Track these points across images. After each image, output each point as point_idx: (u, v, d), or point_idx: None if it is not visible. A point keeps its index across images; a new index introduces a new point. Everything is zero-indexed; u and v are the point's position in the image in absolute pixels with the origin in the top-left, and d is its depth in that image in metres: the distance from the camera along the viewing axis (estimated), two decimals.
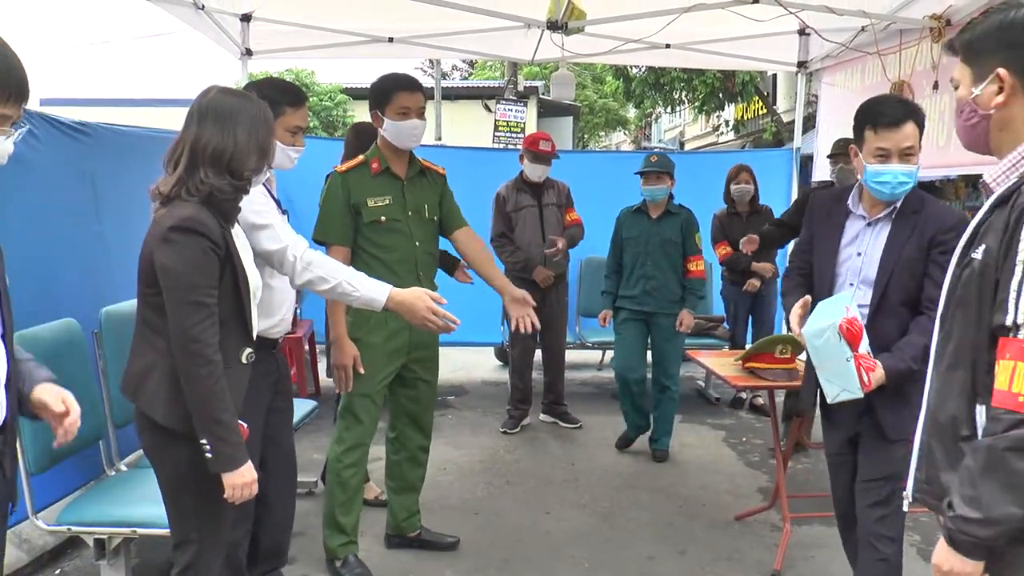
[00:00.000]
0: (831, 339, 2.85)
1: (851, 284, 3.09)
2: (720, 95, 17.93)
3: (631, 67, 18.47)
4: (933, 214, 2.98)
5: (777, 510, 4.51)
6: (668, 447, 5.70)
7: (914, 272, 2.97)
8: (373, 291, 3.01)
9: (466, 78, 36.89)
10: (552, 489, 5.12)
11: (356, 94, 23.61)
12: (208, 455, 2.37)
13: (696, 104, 18.70)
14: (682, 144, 33.79)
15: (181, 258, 2.33)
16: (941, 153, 4.95)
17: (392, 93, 3.70)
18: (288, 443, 3.39)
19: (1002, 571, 1.73)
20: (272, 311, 3.17)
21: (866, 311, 3.03)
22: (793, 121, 9.36)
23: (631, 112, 32.88)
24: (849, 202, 3.13)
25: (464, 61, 43.39)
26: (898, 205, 3.01)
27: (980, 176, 1.97)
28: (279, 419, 3.29)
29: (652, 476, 5.34)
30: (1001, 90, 1.81)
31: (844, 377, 2.88)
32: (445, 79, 36.41)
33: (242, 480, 2.42)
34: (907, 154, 2.91)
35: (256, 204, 2.91)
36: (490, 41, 6.80)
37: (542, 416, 6.53)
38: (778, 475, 4.34)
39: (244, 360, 2.55)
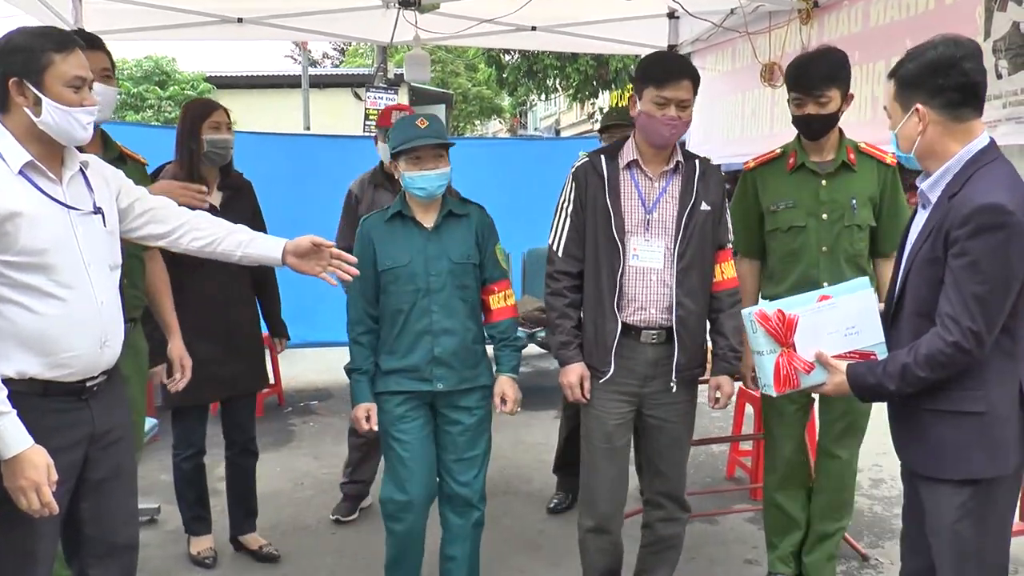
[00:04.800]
0: (751, 327, 2.60)
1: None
2: (594, 82, 17.91)
3: (503, 54, 18.26)
4: (959, 200, 2.28)
5: None
6: None
7: (926, 274, 2.36)
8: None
9: (337, 66, 36.12)
10: None
11: (221, 82, 22.78)
12: None
13: (570, 92, 18.66)
14: (558, 132, 33.88)
15: None
16: None
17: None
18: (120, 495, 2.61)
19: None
20: (47, 346, 2.30)
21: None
22: None
23: (506, 100, 32.74)
24: (917, 181, 2.59)
25: (335, 48, 42.62)
26: (942, 186, 2.38)
27: None
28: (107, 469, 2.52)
29: (526, 481, 5.05)
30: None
31: (762, 370, 2.63)
32: (315, 67, 35.64)
33: None
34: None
35: None
36: (348, 22, 6.37)
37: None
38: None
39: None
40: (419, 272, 3.17)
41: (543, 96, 21.67)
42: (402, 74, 22.09)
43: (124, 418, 2.60)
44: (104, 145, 3.31)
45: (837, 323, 2.59)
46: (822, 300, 2.61)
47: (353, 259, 2.74)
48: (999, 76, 3.65)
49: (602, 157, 3.14)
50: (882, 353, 2.54)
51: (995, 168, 2.31)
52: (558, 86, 19.17)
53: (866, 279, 2.73)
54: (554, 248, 3.18)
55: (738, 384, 3.42)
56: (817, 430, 3.68)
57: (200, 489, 3.96)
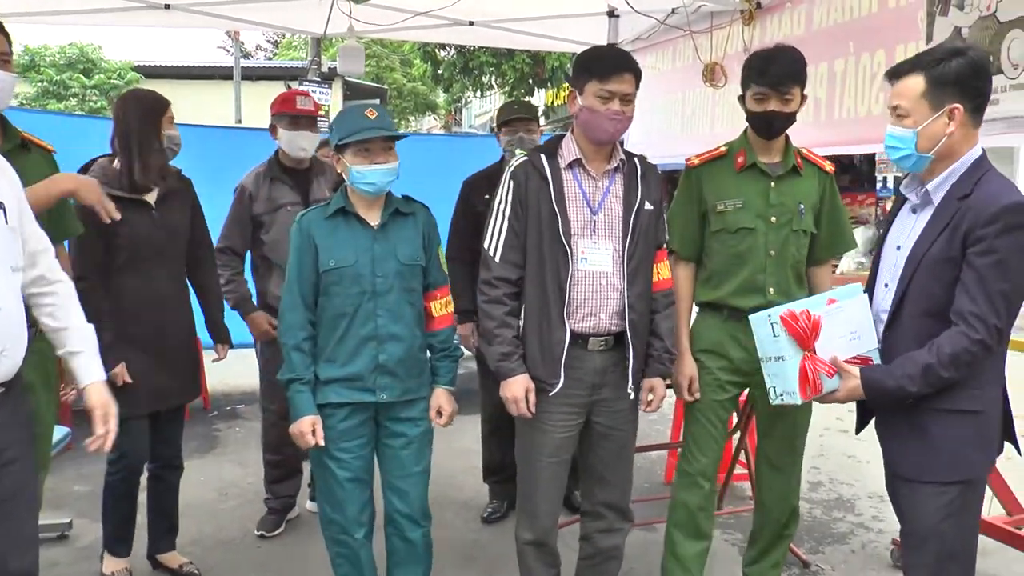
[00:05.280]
0: (771, 331, 2.49)
1: (886, 285, 2.57)
2: (530, 80, 17.83)
3: (438, 49, 18.09)
4: (978, 200, 2.32)
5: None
6: None
7: (939, 274, 2.36)
8: None
9: (271, 58, 35.59)
10: None
11: (150, 72, 22.25)
12: None
13: (506, 89, 18.55)
14: (493, 129, 33.68)
15: None
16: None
17: None
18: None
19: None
20: None
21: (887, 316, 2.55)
22: None
23: (441, 97, 32.50)
24: (903, 184, 2.64)
25: (269, 41, 41.93)
26: (947, 187, 2.41)
27: None
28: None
29: (457, 488, 4.92)
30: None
31: (783, 377, 2.52)
32: (248, 59, 34.98)
33: None
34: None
35: None
36: (281, 13, 6.15)
37: (309, 504, 4.56)
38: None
39: None
40: (365, 273, 2.96)
41: (478, 93, 21.51)
42: (336, 68, 21.88)
43: (23, 435, 2.37)
44: (4, 132, 3.00)
45: (843, 328, 2.54)
46: (831, 304, 2.55)
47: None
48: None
49: (542, 156, 3.01)
50: (876, 359, 2.53)
51: (996, 173, 2.39)
52: (494, 83, 19.04)
53: (859, 285, 2.69)
54: (491, 253, 3.00)
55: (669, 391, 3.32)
56: (756, 445, 3.58)
57: (130, 509, 3.63)
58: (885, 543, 4.23)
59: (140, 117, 3.42)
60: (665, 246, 3.16)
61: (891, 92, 2.49)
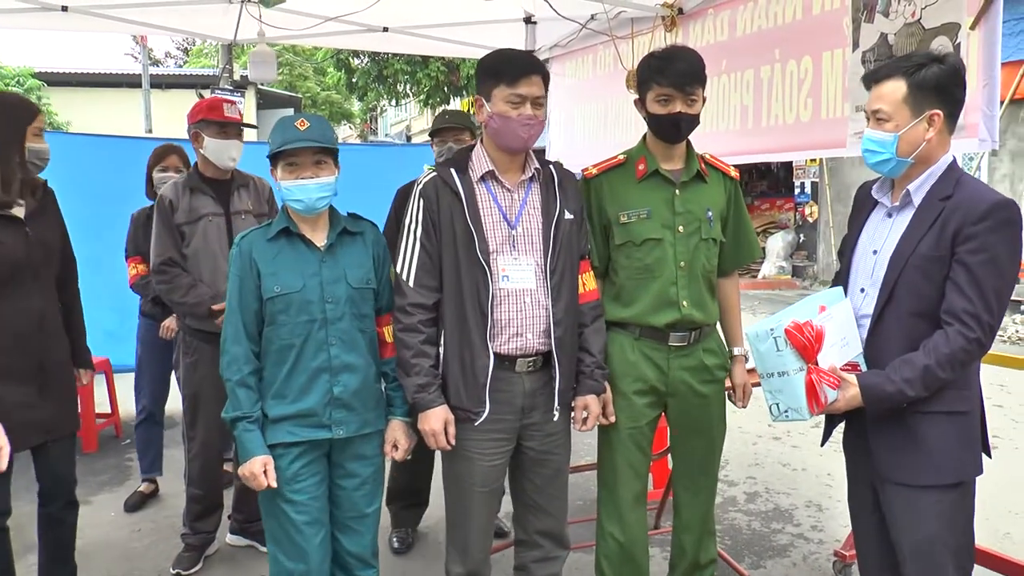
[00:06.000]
0: (774, 345, 2.39)
1: (862, 290, 2.54)
2: (445, 88, 17.73)
3: (352, 57, 17.88)
4: (964, 199, 2.34)
5: None
6: None
7: (929, 273, 2.35)
8: None
9: (181, 66, 34.81)
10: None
11: (52, 79, 21.39)
12: None
13: (421, 98, 18.43)
14: (409, 138, 33.57)
15: None
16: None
17: None
18: None
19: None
20: None
21: (868, 321, 2.50)
22: None
23: (355, 105, 32.22)
24: (875, 189, 2.61)
25: (179, 48, 41.02)
26: (927, 189, 2.42)
27: None
28: None
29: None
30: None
31: (788, 393, 2.41)
32: (158, 66, 34.13)
33: None
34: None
35: None
36: (188, 17, 5.88)
37: (230, 538, 4.32)
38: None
39: None
40: (314, 299, 2.74)
41: (393, 102, 21.34)
42: (248, 76, 21.47)
43: None
44: None
45: (835, 335, 2.47)
46: (822, 311, 2.47)
47: None
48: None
49: (452, 170, 2.83)
50: (862, 363, 2.49)
51: (969, 176, 2.44)
52: (408, 92, 18.90)
53: (840, 289, 2.62)
54: (404, 278, 2.80)
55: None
56: (671, 468, 3.41)
57: (4, 563, 3.25)
58: (826, 554, 4.18)
59: (2, 125, 3.11)
60: (588, 256, 3.02)
61: (870, 96, 2.49)
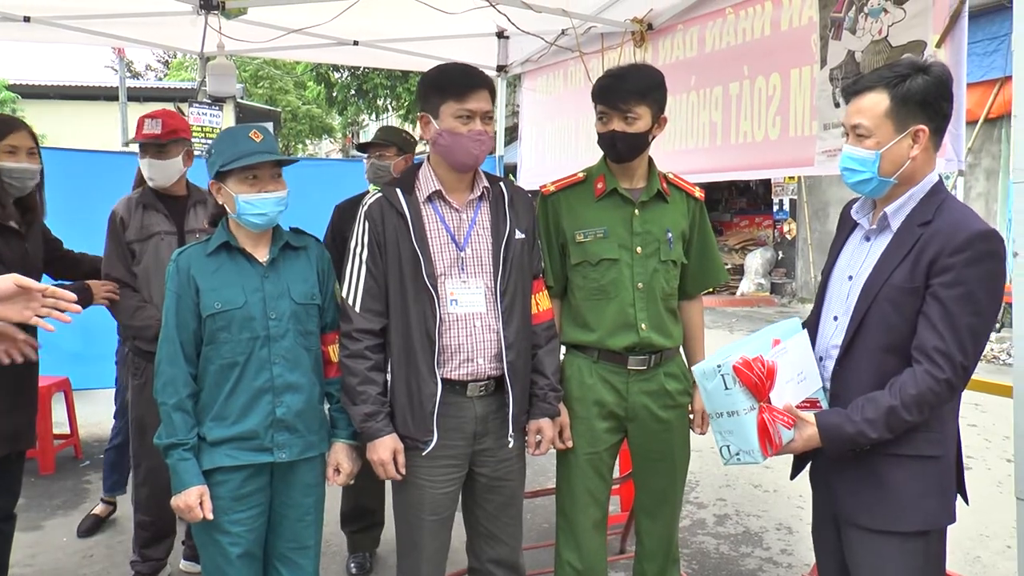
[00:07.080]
0: (722, 383, 2.20)
1: (835, 318, 2.35)
2: None
3: (332, 71, 17.83)
4: (943, 226, 2.12)
5: None
6: None
7: (901, 305, 2.15)
8: None
9: (160, 79, 34.68)
10: None
11: (27, 91, 21.20)
12: None
13: (401, 112, 18.36)
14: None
15: None
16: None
17: None
18: None
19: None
20: None
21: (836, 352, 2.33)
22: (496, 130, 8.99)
23: (336, 119, 32.11)
24: (854, 209, 2.42)
25: (159, 61, 40.88)
26: (906, 212, 2.23)
27: None
28: None
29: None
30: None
31: (739, 434, 2.23)
32: (138, 79, 33.95)
33: None
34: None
35: None
36: (155, 28, 5.78)
37: (184, 564, 4.20)
38: None
39: None
40: (256, 315, 2.63)
41: (374, 116, 21.22)
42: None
43: None
44: None
45: (790, 370, 2.29)
46: (775, 345, 2.30)
47: (71, 296, 2.19)
48: (837, 104, 3.55)
49: (397, 191, 2.73)
50: (822, 400, 2.33)
51: (954, 199, 2.22)
52: (389, 106, 18.82)
53: (797, 320, 2.49)
54: (350, 303, 2.70)
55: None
56: (634, 494, 3.30)
57: None
58: None
59: None
60: (541, 275, 2.94)
61: (849, 110, 2.27)
